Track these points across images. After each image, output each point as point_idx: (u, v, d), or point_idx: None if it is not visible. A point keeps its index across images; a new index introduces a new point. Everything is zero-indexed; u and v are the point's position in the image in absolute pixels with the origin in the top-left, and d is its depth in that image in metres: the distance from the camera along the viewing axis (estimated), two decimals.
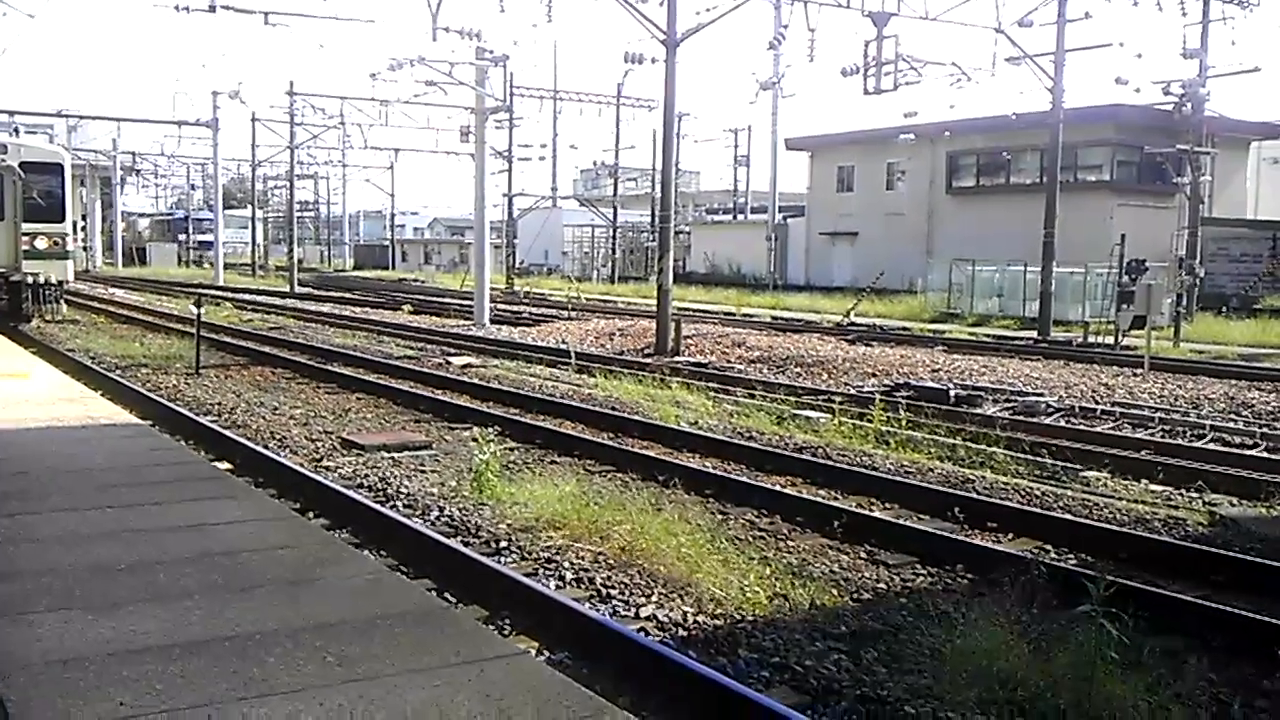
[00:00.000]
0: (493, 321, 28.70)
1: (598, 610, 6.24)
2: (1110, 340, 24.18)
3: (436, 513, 8.37)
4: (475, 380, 16.30)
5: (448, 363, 19.00)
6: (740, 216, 63.53)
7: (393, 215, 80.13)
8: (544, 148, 58.41)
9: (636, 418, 12.90)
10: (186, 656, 3.87)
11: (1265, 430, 13.03)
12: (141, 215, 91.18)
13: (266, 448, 10.74)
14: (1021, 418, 13.87)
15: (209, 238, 68.70)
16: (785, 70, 46.32)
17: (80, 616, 4.27)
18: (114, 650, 3.92)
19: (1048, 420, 13.94)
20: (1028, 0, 27.97)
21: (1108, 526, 8.29)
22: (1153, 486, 10.17)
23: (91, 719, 3.35)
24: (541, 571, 6.96)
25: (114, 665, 3.77)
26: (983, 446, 11.49)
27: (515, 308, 35.20)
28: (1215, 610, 6.30)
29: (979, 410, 14.35)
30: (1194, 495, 9.80)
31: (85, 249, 62.78)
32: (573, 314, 31.18)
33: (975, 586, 6.93)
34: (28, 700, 3.48)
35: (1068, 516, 8.61)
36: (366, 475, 9.72)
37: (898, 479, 9.82)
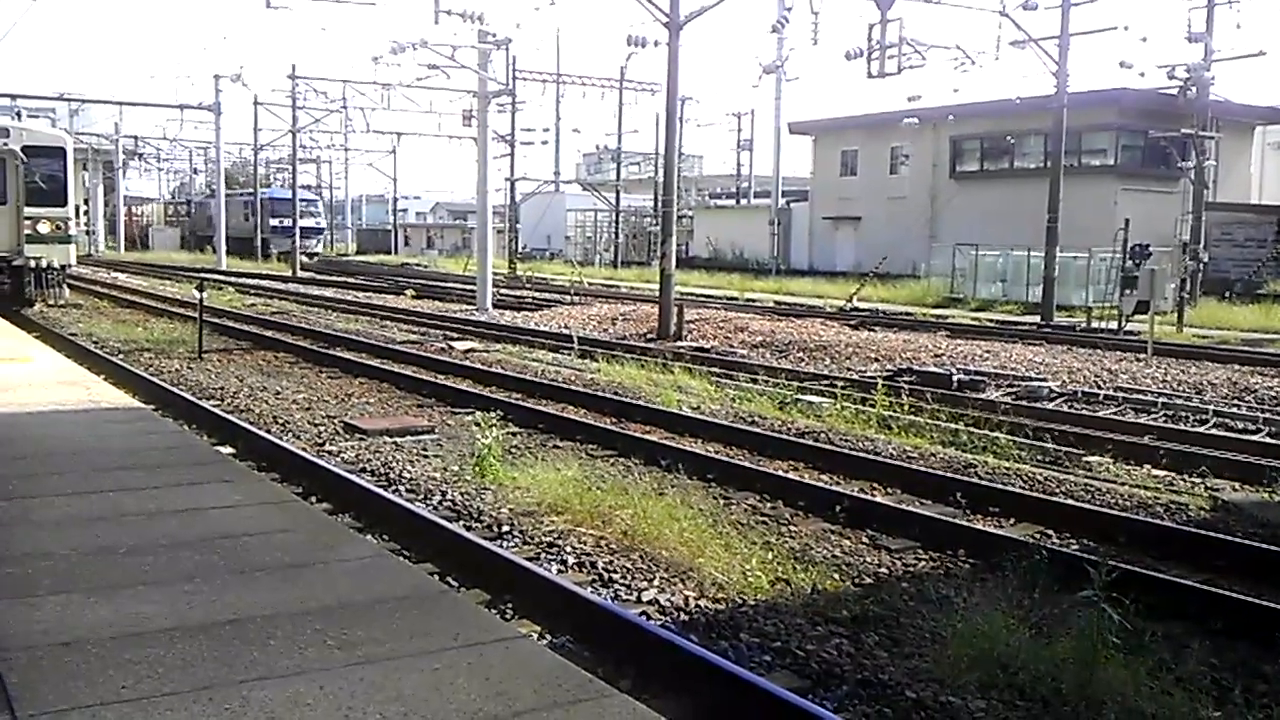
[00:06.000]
0: (495, 306, 28.68)
1: (599, 595, 6.25)
2: (1114, 325, 24.13)
3: (439, 497, 8.38)
4: (478, 365, 16.30)
5: (450, 347, 18.99)
6: (743, 201, 63.43)
7: (395, 199, 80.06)
8: (546, 132, 58.33)
9: (639, 402, 12.90)
10: (188, 639, 3.87)
11: (1268, 416, 13.00)
12: (206, 198, 70.77)
13: (269, 432, 10.74)
14: (1024, 403, 13.86)
15: (303, 222, 56.54)
16: (789, 54, 46.31)
17: (81, 599, 4.27)
18: (115, 633, 3.92)
19: (1050, 405, 13.92)
20: None
21: (1110, 511, 8.28)
22: (1155, 471, 10.16)
23: (93, 701, 3.35)
24: (543, 556, 6.97)
25: (115, 648, 3.78)
26: (985, 431, 11.48)
27: (518, 292, 35.16)
28: (1216, 595, 6.30)
29: (982, 395, 14.33)
30: (1196, 480, 9.79)
31: (88, 233, 62.70)
32: (575, 299, 31.16)
33: (977, 571, 6.94)
34: (29, 682, 3.48)
35: (1070, 501, 8.60)
36: (369, 460, 9.72)
37: (900, 464, 9.81)
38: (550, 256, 63.98)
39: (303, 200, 58.54)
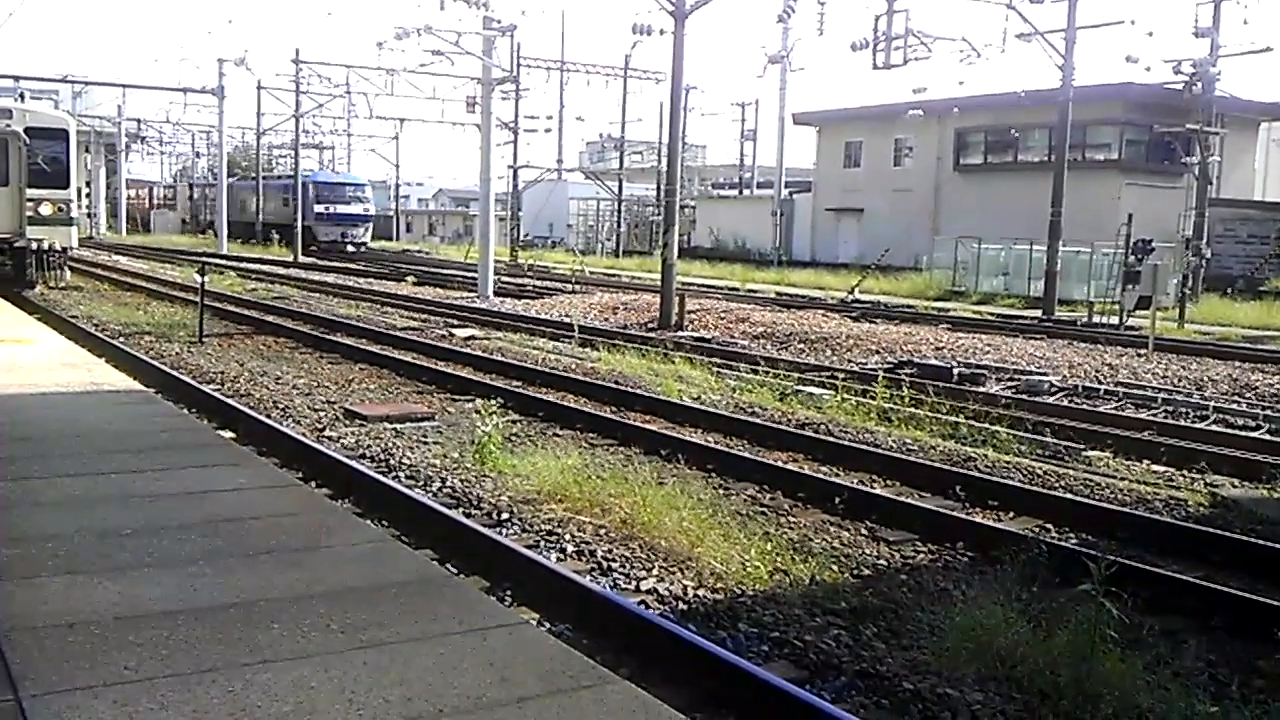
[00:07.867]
0: (496, 294, 28.66)
1: (599, 583, 6.27)
2: (1115, 320, 24.14)
3: (439, 484, 8.39)
4: (478, 352, 16.31)
5: (451, 334, 19.00)
6: (746, 191, 63.28)
7: (397, 186, 79.94)
8: (550, 119, 58.17)
9: (639, 392, 12.90)
10: (191, 622, 3.89)
11: (1268, 412, 13.02)
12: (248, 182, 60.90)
13: (269, 417, 10.75)
14: (1025, 397, 13.87)
15: (351, 209, 53.13)
16: (794, 44, 46.29)
17: (85, 581, 4.29)
18: (119, 615, 3.94)
19: (1051, 400, 13.94)
20: None
21: (1109, 506, 8.30)
22: (1155, 467, 10.18)
23: (96, 683, 3.37)
24: (543, 543, 6.98)
25: (119, 630, 3.79)
26: (985, 425, 11.49)
27: (519, 280, 35.14)
28: (1214, 591, 6.32)
29: (982, 389, 14.34)
30: (1195, 476, 9.81)
31: (90, 215, 62.60)
32: (577, 287, 31.15)
33: (976, 564, 6.96)
34: (32, 662, 3.50)
35: (1069, 496, 8.62)
36: (369, 446, 9.74)
37: (900, 456, 9.83)
38: (552, 245, 63.84)
39: (349, 184, 55.87)
